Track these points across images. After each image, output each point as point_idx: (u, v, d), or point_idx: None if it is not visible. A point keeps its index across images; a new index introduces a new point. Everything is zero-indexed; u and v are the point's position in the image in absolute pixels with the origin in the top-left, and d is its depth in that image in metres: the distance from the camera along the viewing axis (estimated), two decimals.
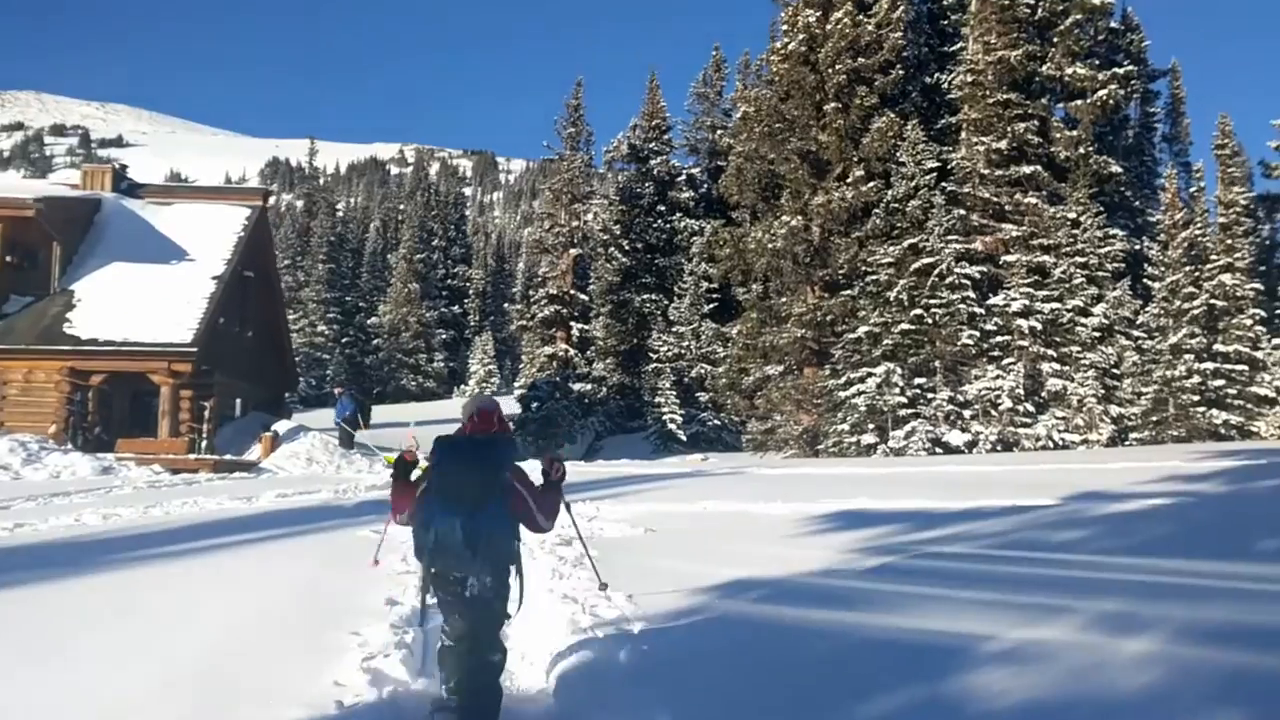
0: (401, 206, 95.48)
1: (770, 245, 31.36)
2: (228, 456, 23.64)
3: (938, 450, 27.66)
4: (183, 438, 24.61)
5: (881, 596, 6.53)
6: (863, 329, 29.60)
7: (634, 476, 17.75)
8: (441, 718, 4.62)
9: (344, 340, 72.82)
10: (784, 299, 32.52)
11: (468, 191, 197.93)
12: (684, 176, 48.87)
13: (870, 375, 28.71)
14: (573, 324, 45.32)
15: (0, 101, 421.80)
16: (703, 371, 39.68)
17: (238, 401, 29.78)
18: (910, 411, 28.27)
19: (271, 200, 31.96)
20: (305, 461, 23.43)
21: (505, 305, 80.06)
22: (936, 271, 28.91)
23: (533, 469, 5.34)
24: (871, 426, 28.47)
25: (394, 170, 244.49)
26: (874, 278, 30.21)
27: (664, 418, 38.93)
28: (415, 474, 4.99)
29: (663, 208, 47.64)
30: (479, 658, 4.68)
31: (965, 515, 10.51)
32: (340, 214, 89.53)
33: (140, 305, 25.33)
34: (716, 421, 39.31)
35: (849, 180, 31.34)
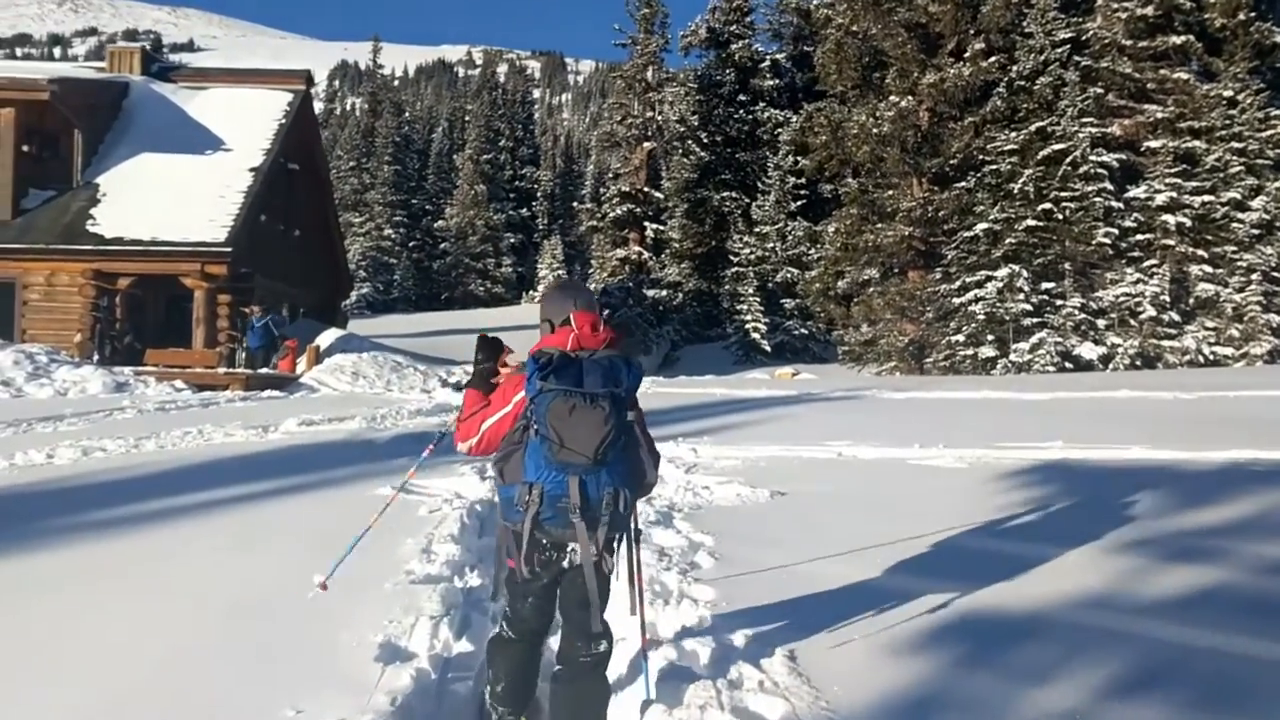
0: (468, 107, 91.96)
1: (874, 131, 27.61)
2: (263, 370, 21.06)
3: (1067, 365, 24.22)
4: (220, 347, 22.10)
5: None
6: (980, 226, 25.94)
7: (731, 402, 14.68)
8: None
9: (410, 244, 70.68)
10: (888, 193, 28.84)
11: (536, 94, 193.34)
12: (767, 63, 44.62)
13: (990, 279, 25.18)
14: (646, 224, 41.96)
15: (74, 6, 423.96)
16: (789, 276, 36.24)
17: (285, 307, 27.22)
18: (1036, 321, 24.77)
19: (316, 86, 28.88)
20: (351, 377, 20.79)
21: (574, 206, 76.89)
22: (1068, 160, 25.07)
23: None
24: (990, 338, 25.05)
25: (461, 73, 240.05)
26: (994, 167, 26.43)
27: (746, 326, 35.74)
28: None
29: (744, 97, 43.60)
30: (579, 650, 3.55)
31: (1228, 475, 7.32)
32: (406, 115, 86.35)
33: (171, 200, 22.67)
34: (804, 330, 36.04)
35: (965, 55, 27.34)
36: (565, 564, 3.42)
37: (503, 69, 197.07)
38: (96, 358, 20.99)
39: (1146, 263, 25.04)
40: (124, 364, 20.39)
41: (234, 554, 5.78)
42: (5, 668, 3.95)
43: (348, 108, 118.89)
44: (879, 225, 28.46)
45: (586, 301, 3.58)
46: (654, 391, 17.68)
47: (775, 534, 6.06)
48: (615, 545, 3.47)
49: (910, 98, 27.41)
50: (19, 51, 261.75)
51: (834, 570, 5.16)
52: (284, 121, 25.52)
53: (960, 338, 25.56)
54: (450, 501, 7.24)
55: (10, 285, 22.22)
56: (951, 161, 28.06)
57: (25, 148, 22.56)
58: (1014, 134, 26.16)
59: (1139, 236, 25.26)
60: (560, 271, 71.18)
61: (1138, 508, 6.35)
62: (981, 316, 24.99)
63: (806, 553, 5.50)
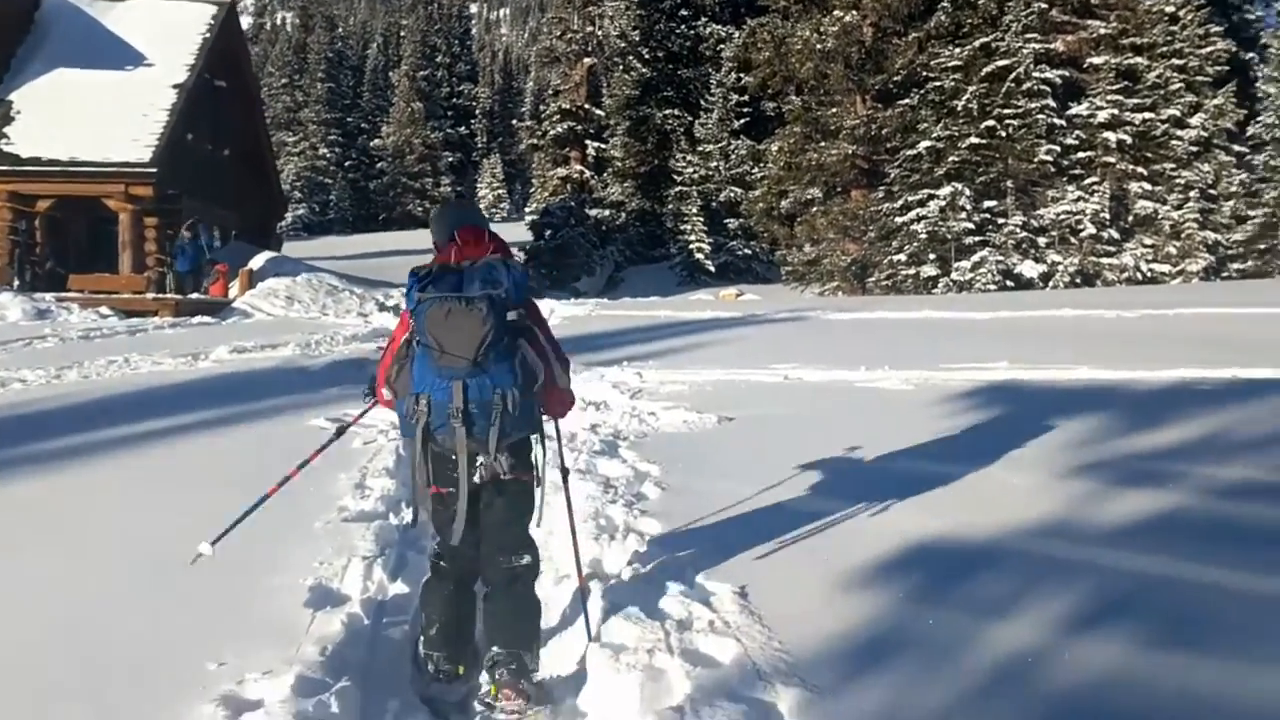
0: (404, 22, 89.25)
1: (818, 46, 27.12)
2: (193, 295, 20.42)
3: (1009, 284, 24.35)
4: (148, 272, 21.37)
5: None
6: (923, 144, 25.76)
7: (676, 324, 14.48)
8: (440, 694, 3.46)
9: (346, 164, 69.11)
10: (832, 110, 28.45)
11: (473, 8, 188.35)
12: None
13: (932, 198, 25.10)
14: (588, 143, 41.19)
15: None
16: (733, 195, 35.85)
17: (215, 230, 26.38)
18: (978, 239, 24.81)
19: None
20: (285, 301, 20.24)
21: (514, 124, 75.41)
22: (1012, 76, 24.94)
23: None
24: (933, 257, 25.05)
25: None
26: (937, 84, 26.19)
27: (690, 246, 35.43)
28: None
29: (686, 12, 42.53)
30: (500, 565, 3.45)
31: (1177, 395, 7.30)
32: (339, 30, 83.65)
33: (91, 118, 21.68)
34: (747, 251, 35.80)
35: None
36: (476, 478, 3.30)
37: None
38: (16, 284, 20.19)
39: (1087, 180, 25.08)
40: (47, 290, 19.65)
41: (155, 495, 5.49)
42: None
43: (278, 22, 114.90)
44: (822, 144, 28.13)
45: (470, 217, 3.58)
46: (597, 314, 17.42)
47: (723, 462, 5.90)
48: (531, 455, 3.43)
49: (854, 12, 26.93)
50: None
51: (783, 500, 5.02)
52: (208, 36, 24.44)
53: (902, 257, 25.52)
54: (386, 433, 6.98)
55: None
56: (895, 78, 27.73)
57: None
58: (958, 50, 25.87)
59: (1080, 154, 25.25)
60: (500, 190, 70.16)
61: (1087, 430, 6.28)
62: (924, 235, 24.94)
63: (755, 481, 5.35)
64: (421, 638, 3.55)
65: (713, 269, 35.06)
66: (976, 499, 4.93)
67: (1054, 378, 8.29)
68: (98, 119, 21.68)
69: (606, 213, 39.95)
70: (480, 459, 3.28)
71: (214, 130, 25.61)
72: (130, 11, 24.86)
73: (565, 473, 3.84)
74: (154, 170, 21.00)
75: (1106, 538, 4.28)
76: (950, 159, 25.07)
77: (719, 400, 7.93)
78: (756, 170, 33.71)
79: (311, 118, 68.63)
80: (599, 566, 4.32)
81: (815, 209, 28.69)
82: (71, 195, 21.42)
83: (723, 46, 38.98)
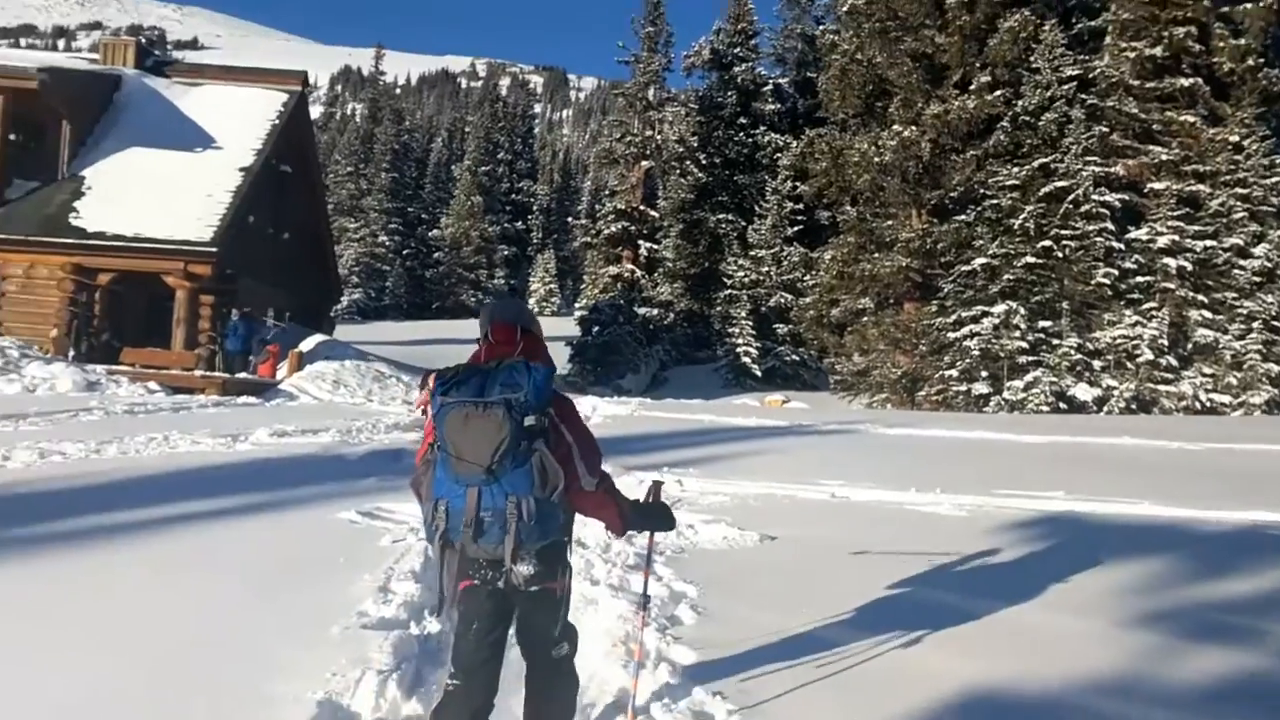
0: (469, 118, 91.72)
1: (876, 159, 27.25)
2: (241, 375, 20.52)
3: (1061, 406, 23.81)
4: (199, 349, 21.55)
5: None
6: (978, 261, 25.60)
7: (721, 430, 14.22)
8: None
9: (405, 252, 70.29)
10: (887, 222, 28.47)
11: (537, 108, 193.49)
12: (770, 87, 44.34)
13: (986, 314, 24.81)
14: (641, 243, 41.58)
15: (80, 0, 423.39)
16: (783, 301, 35.86)
17: (270, 311, 26.69)
18: (1031, 359, 24.38)
19: (317, 90, 28.49)
20: (332, 385, 20.26)
21: (569, 222, 76.61)
22: (1070, 198, 24.77)
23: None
24: (985, 374, 24.65)
25: (464, 84, 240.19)
26: (994, 202, 26.12)
27: (737, 349, 35.34)
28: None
29: (745, 120, 43.28)
30: (540, 658, 3.35)
31: (1249, 539, 6.90)
32: (406, 123, 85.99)
33: (158, 197, 22.15)
34: (795, 357, 35.64)
35: (970, 88, 27.04)
36: (502, 584, 3.22)
37: (505, 82, 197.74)
38: (72, 354, 20.44)
39: (1145, 305, 24.69)
40: (101, 361, 19.86)
41: (170, 587, 5.28)
42: None
43: (348, 112, 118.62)
44: (876, 255, 28.09)
45: (506, 313, 3.48)
46: (640, 415, 17.21)
47: (764, 587, 5.59)
48: (553, 558, 3.25)
49: (913, 128, 27.08)
50: (23, 42, 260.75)
51: (828, 635, 4.70)
52: (277, 122, 25.04)
53: (954, 373, 25.16)
54: (416, 531, 6.75)
55: None
56: (952, 194, 27.75)
57: (12, 136, 22.05)
58: (1016, 169, 25.84)
59: (1139, 279, 24.92)
60: (552, 285, 70.86)
61: (1151, 573, 5.91)
62: (976, 352, 24.60)
63: (795, 611, 5.04)
64: None
65: (759, 373, 34.88)
66: (1027, 644, 4.59)
67: (1114, 512, 7.91)
68: (164, 197, 22.14)
69: (655, 312, 40.09)
70: (508, 565, 3.16)
71: (276, 213, 26.10)
72: (205, 96, 25.59)
73: (646, 600, 3.86)
74: (214, 250, 21.33)
75: (1175, 700, 3.92)
76: (1005, 277, 24.85)
77: (762, 516, 7.63)
78: (808, 277, 33.72)
79: (374, 205, 70.13)
80: (625, 697, 4.03)
81: (866, 319, 28.52)
82: (132, 270, 21.80)
83: (779, 155, 39.45)
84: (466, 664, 3.29)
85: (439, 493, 3.15)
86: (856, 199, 29.67)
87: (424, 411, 3.32)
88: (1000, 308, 24.48)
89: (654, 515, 3.68)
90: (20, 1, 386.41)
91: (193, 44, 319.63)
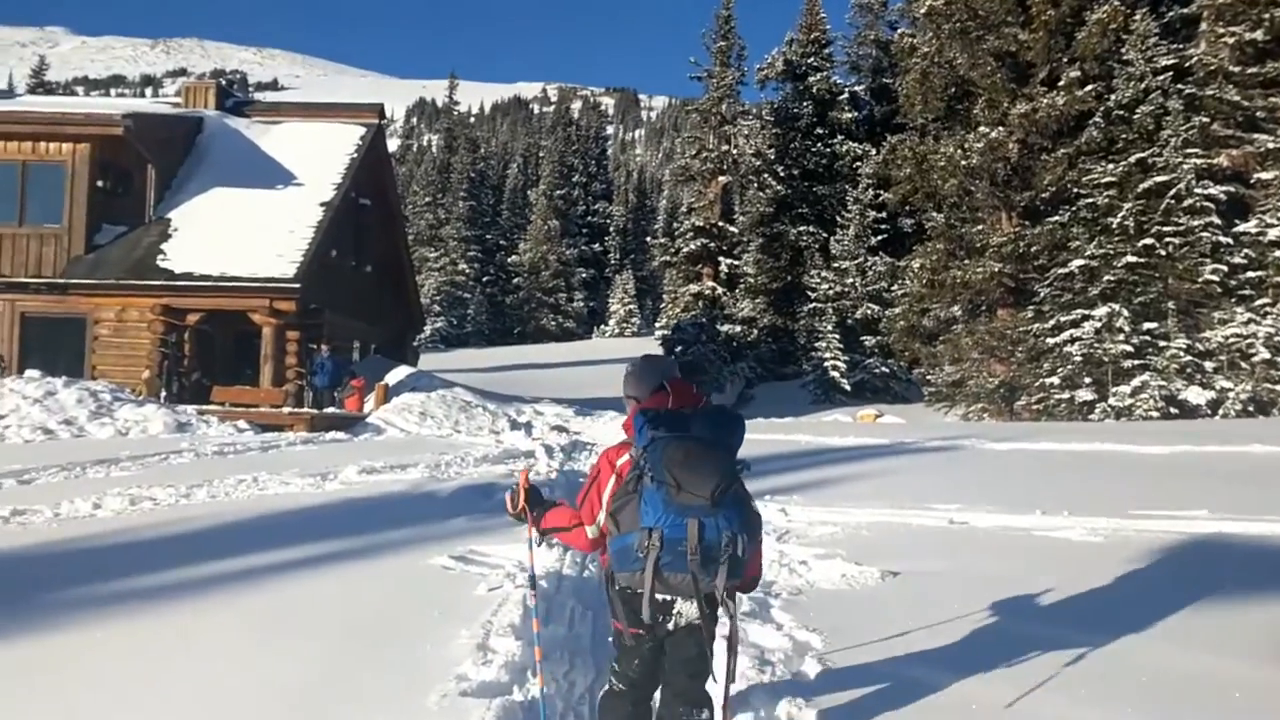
0: (543, 143, 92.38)
1: (962, 163, 26.42)
2: (329, 410, 20.51)
3: (1172, 410, 22.69)
4: (287, 385, 21.63)
5: None
6: (1076, 263, 24.60)
7: (818, 451, 13.64)
8: None
9: (484, 279, 70.91)
10: (977, 227, 27.58)
11: (609, 130, 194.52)
12: (846, 96, 43.59)
13: (1086, 318, 23.81)
14: (720, 259, 41.08)
15: (166, 49, 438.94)
16: (870, 312, 35.07)
17: (355, 344, 26.80)
18: (1137, 363, 23.29)
19: (394, 123, 28.64)
20: (418, 417, 20.12)
21: (647, 241, 76.49)
22: (1171, 193, 23.66)
23: None
24: (1088, 380, 23.62)
25: (536, 109, 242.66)
26: (1090, 201, 25.09)
27: (825, 364, 34.60)
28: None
29: (822, 130, 42.62)
30: (682, 713, 3.46)
31: None
32: (481, 151, 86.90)
33: (241, 235, 22.35)
34: (885, 369, 34.78)
35: (1059, 84, 26.05)
36: (670, 625, 3.40)
37: (577, 105, 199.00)
38: (164, 394, 20.65)
39: (1259, 301, 23.44)
40: (191, 401, 20.01)
41: (259, 647, 4.95)
42: None
43: (424, 144, 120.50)
44: (966, 261, 27.20)
45: (674, 369, 3.77)
46: None
47: (893, 633, 5.06)
48: (726, 601, 3.38)
49: (1000, 128, 26.20)
50: (113, 92, 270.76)
51: (976, 690, 4.16)
52: (356, 156, 25.16)
53: (1055, 380, 24.16)
54: (513, 576, 6.35)
55: (81, 320, 22.05)
56: (1044, 195, 26.76)
57: (100, 183, 22.43)
58: (1112, 166, 24.79)
59: (1250, 274, 23.69)
60: (631, 306, 70.74)
61: None
62: (1078, 358, 23.60)
63: (933, 661, 4.52)
64: None
65: (848, 387, 34.11)
66: (1201, 694, 4.00)
67: (1268, 532, 7.20)
68: (248, 236, 22.33)
69: (738, 329, 39.55)
70: (679, 604, 3.36)
71: (357, 246, 26.22)
72: (284, 133, 25.85)
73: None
74: (297, 285, 21.40)
75: None
76: (1105, 278, 23.83)
77: (878, 548, 7.09)
78: (895, 287, 32.89)
79: (452, 234, 70.85)
80: None
81: (959, 327, 27.63)
82: (219, 309, 21.99)
83: (859, 163, 38.73)
84: (631, 681, 3.57)
85: (651, 521, 3.25)
86: (943, 204, 28.82)
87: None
88: (1101, 310, 23.46)
89: None
90: (110, 54, 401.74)
91: (273, 85, 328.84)
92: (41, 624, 5.22)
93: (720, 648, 3.57)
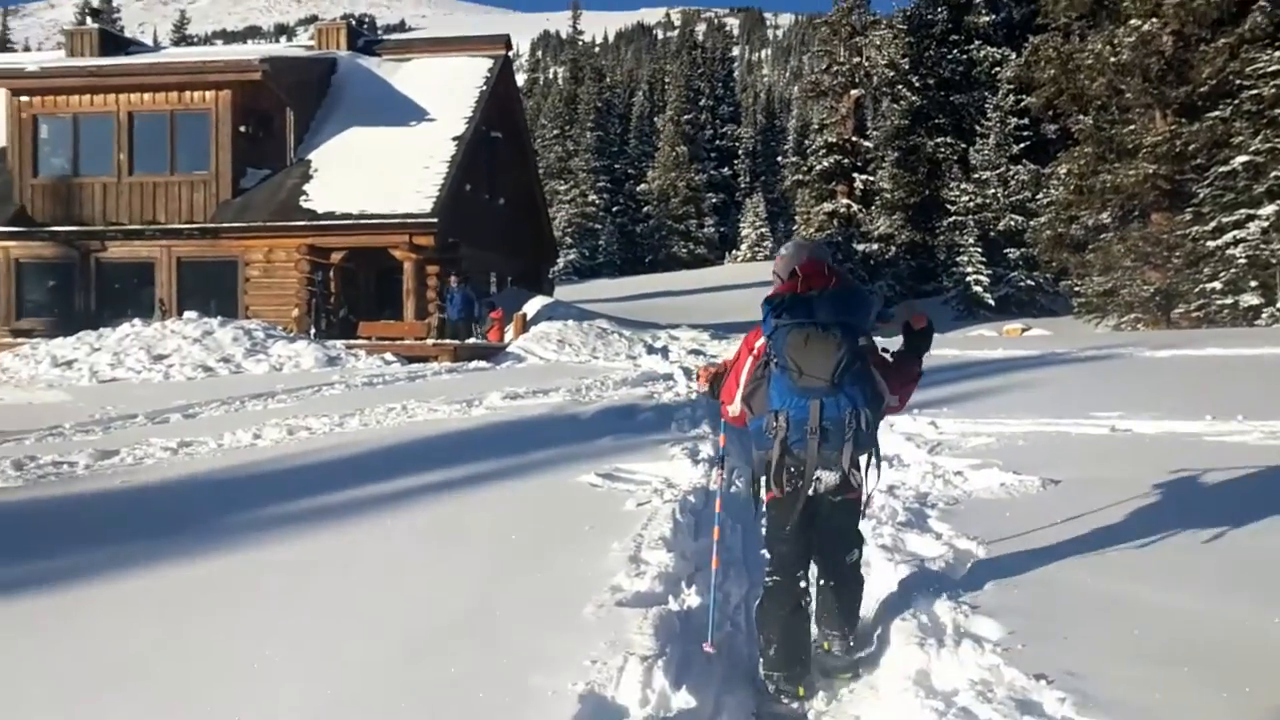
0: (668, 69, 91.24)
1: (1112, 60, 24.92)
2: (470, 340, 20.90)
3: None
4: (429, 318, 22.12)
5: None
6: (1239, 160, 23.01)
7: (965, 365, 13.21)
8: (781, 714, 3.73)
9: (614, 209, 70.99)
10: (1128, 128, 26.06)
11: (735, 51, 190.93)
12: None
13: (1251, 218, 22.36)
14: (855, 176, 40.10)
15: None
16: (1013, 224, 33.75)
17: (492, 276, 27.20)
18: None
19: (520, 58, 28.64)
20: (557, 345, 20.33)
21: (777, 163, 75.10)
22: None
23: None
24: (1254, 284, 22.25)
25: (660, 35, 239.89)
26: (1254, 92, 23.33)
27: (967, 279, 33.60)
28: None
29: (957, 36, 40.77)
30: (836, 562, 3.90)
31: None
32: (607, 80, 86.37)
33: (379, 173, 22.78)
34: (1030, 282, 33.57)
35: None
36: (811, 491, 3.65)
37: (701, 28, 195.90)
38: (313, 331, 21.39)
39: None
40: (339, 337, 20.67)
41: (418, 565, 5.07)
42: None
43: (550, 77, 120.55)
44: (1117, 164, 25.76)
45: (814, 252, 3.88)
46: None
47: (1063, 541, 4.84)
48: (865, 465, 3.72)
49: (1153, 20, 24.56)
50: (249, 43, 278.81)
51: (1161, 600, 3.94)
52: (484, 89, 25.26)
53: (1217, 285, 22.82)
54: (660, 492, 6.36)
55: (233, 263, 22.94)
56: (1201, 89, 25.00)
57: (242, 128, 23.11)
58: (1279, 54, 23.02)
59: None
60: (763, 229, 69.81)
61: None
62: (1243, 260, 22.22)
63: (1108, 569, 4.30)
64: (761, 659, 3.84)
65: (992, 302, 33.08)
66: None
67: None
68: (384, 173, 22.74)
69: (875, 246, 38.68)
70: (819, 472, 3.60)
71: (490, 180, 26.46)
72: (414, 70, 26.12)
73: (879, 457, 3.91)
74: (435, 220, 21.74)
75: None
76: (1273, 174, 22.26)
77: (1035, 458, 6.82)
78: (1040, 196, 31.50)
79: (581, 166, 70.94)
80: (926, 682, 3.46)
81: (1109, 235, 26.31)
82: (361, 246, 22.55)
83: (998, 69, 37.07)
84: (783, 563, 3.81)
85: (778, 404, 3.60)
86: (1090, 106, 27.29)
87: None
88: (1269, 209, 21.98)
89: (927, 340, 4.04)
90: (246, 6, 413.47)
91: (400, 26, 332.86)
92: (216, 545, 5.46)
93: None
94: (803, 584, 3.83)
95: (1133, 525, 4.98)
